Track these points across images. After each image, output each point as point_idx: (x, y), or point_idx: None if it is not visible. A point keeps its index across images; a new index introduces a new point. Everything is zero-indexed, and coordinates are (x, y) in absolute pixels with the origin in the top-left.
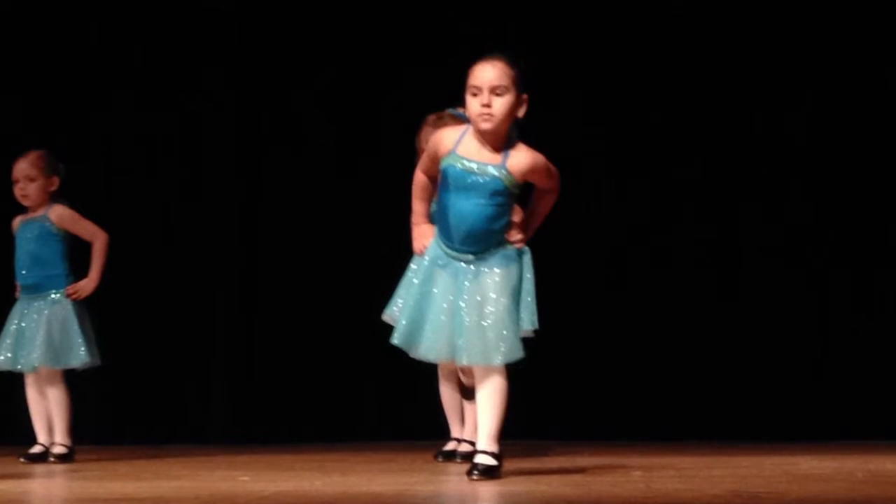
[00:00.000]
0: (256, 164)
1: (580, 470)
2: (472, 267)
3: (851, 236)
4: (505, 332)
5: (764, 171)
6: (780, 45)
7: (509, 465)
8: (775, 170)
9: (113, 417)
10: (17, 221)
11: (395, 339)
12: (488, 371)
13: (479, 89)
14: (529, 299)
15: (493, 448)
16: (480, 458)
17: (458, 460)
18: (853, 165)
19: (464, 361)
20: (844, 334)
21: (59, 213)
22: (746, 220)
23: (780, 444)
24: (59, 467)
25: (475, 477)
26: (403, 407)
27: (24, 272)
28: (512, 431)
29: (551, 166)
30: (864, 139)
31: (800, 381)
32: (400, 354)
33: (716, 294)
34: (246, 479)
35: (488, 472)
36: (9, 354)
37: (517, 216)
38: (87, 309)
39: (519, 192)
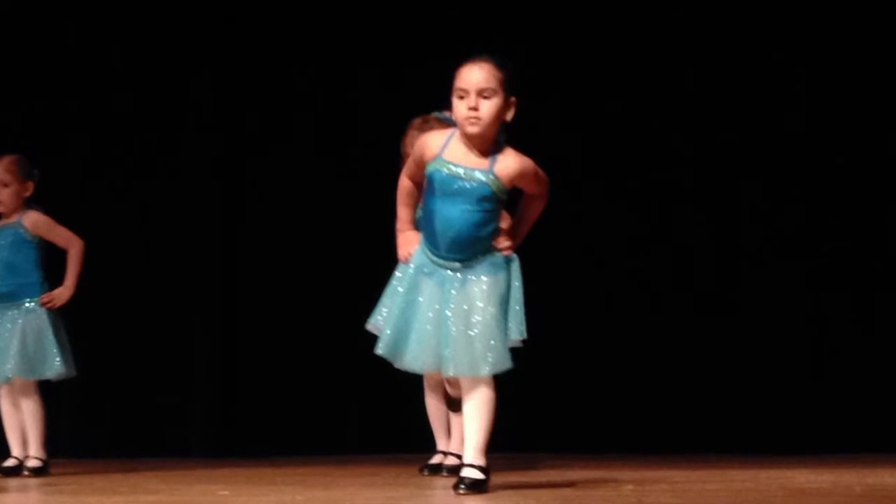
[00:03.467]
0: (239, 169)
1: (570, 484)
2: (458, 275)
3: (850, 244)
4: (492, 342)
5: (761, 176)
6: (777, 43)
7: (496, 478)
8: (773, 174)
9: (89, 430)
10: None
11: (380, 349)
12: (475, 382)
13: (466, 92)
14: (518, 308)
15: (481, 461)
16: (467, 472)
17: (445, 474)
18: (852, 169)
19: (450, 372)
20: (842, 345)
21: (33, 220)
22: (744, 229)
23: (775, 457)
24: (34, 481)
25: (462, 491)
26: (388, 419)
27: None
28: (499, 444)
29: (540, 171)
30: (863, 142)
31: (796, 392)
32: (384, 365)
33: (710, 304)
34: (226, 493)
35: (475, 486)
36: None
37: (505, 223)
38: (63, 318)
39: (507, 197)
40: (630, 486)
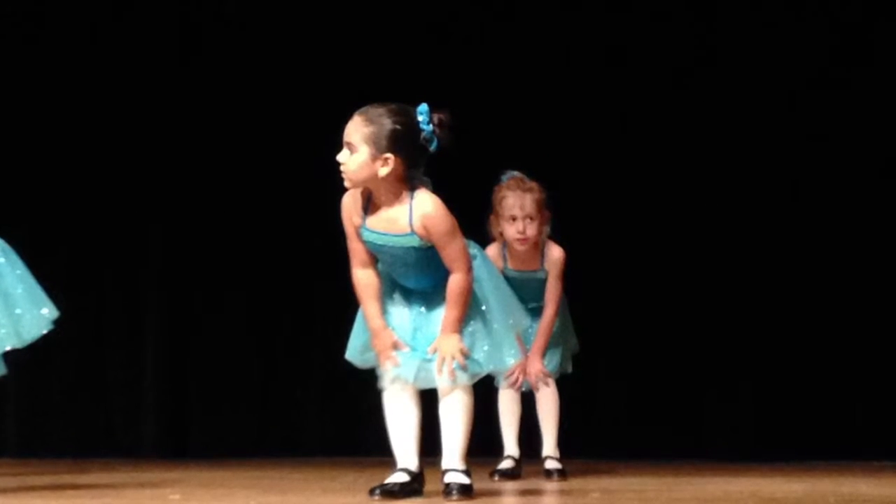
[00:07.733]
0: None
1: (535, 492)
2: (424, 301)
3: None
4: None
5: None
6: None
7: None
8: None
9: (37, 429)
10: None
11: (350, 356)
12: (453, 389)
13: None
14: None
15: (464, 466)
16: (455, 478)
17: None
18: None
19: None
20: (816, 351)
21: None
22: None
23: (747, 464)
24: None
25: (455, 497)
26: (345, 421)
27: None
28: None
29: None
30: None
31: (768, 398)
32: (342, 365)
33: (676, 304)
34: (176, 497)
35: (465, 491)
36: None
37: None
38: None
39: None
40: (596, 494)
